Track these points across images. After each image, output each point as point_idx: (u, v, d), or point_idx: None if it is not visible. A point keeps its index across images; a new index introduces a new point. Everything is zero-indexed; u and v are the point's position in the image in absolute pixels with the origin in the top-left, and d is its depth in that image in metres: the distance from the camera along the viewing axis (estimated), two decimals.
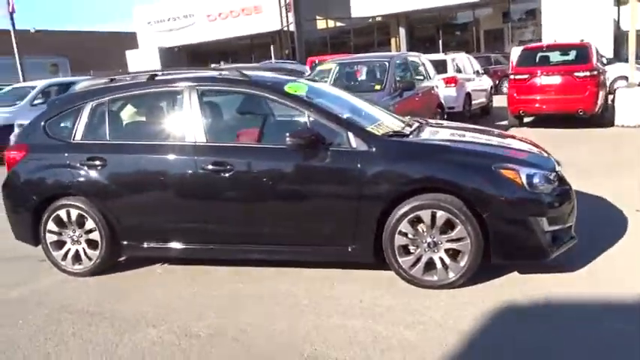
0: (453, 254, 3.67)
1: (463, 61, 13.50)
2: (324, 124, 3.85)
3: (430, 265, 3.71)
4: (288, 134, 3.68)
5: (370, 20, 27.55)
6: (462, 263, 3.64)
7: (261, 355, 3.04)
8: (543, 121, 11.45)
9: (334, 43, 29.21)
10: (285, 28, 27.00)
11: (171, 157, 4.09)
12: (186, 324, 3.45)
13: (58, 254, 4.45)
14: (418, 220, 3.67)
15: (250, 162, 3.92)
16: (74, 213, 4.33)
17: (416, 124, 4.50)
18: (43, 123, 4.54)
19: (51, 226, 4.41)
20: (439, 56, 13.05)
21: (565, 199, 3.78)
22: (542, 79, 10.81)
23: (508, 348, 2.96)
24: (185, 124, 4.11)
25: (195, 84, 4.15)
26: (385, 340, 3.09)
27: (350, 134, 3.79)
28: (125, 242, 4.29)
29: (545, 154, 4.15)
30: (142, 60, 29.61)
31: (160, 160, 4.12)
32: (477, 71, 14.16)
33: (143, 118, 4.55)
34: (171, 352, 3.11)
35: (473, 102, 13.08)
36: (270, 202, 3.94)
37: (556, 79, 10.73)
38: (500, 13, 25.77)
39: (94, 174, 4.24)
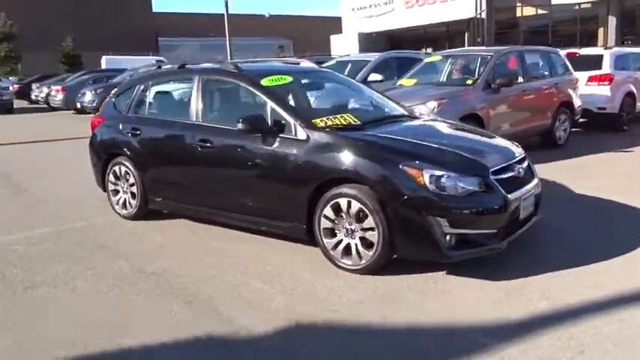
0: (368, 243, 3.94)
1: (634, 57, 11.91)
2: (279, 113, 4.39)
3: (348, 250, 4.04)
4: (239, 119, 4.33)
5: (577, 7, 25.08)
6: (371, 252, 3.90)
7: (182, 290, 3.84)
8: None
9: (532, 32, 27.33)
10: (479, 16, 26.14)
11: (177, 131, 5.04)
12: (144, 264, 4.41)
13: (114, 200, 5.77)
14: (339, 207, 4.02)
15: (223, 141, 4.65)
16: (123, 170, 5.58)
17: (390, 118, 4.75)
18: (113, 99, 5.89)
19: (111, 177, 5.74)
20: (595, 50, 11.76)
21: (484, 205, 3.75)
22: None
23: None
24: (190, 105, 5.01)
25: (201, 74, 5.02)
26: (266, 297, 3.64)
27: (296, 124, 4.27)
28: (149, 196, 5.41)
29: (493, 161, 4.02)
30: (344, 44, 31.40)
31: (170, 133, 5.12)
32: None
33: (167, 99, 5.58)
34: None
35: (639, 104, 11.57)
36: (234, 176, 4.65)
37: None
38: None
39: (133, 140, 5.42)
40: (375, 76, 9.88)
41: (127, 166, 5.52)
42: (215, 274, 4.15)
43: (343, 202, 3.97)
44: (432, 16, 28.92)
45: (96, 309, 3.66)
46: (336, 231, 4.08)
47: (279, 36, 55.24)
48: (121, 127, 5.58)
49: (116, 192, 5.74)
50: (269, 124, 4.36)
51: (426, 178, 3.69)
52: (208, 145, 4.72)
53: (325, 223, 4.10)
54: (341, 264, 4.07)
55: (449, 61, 9.06)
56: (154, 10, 50.90)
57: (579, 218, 5.26)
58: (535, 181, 4.35)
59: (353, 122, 4.45)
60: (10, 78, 31.75)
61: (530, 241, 4.53)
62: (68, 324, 3.45)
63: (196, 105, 4.96)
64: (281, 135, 4.31)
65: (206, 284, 3.97)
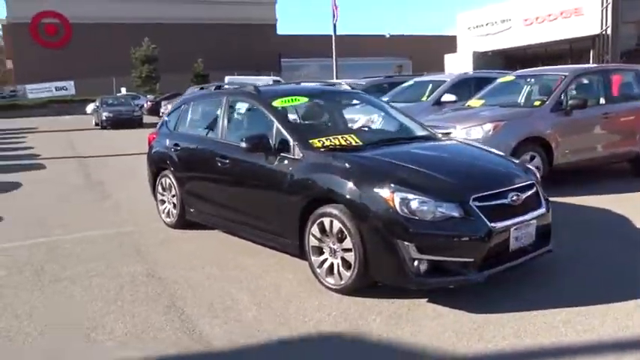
0: (347, 263, 3.94)
1: None
2: (282, 133, 4.55)
3: (332, 269, 4.07)
4: (242, 138, 4.56)
5: None
6: (349, 273, 3.90)
7: (171, 296, 4.15)
8: None
9: None
10: (604, 32, 24.23)
11: (205, 147, 5.40)
12: (157, 269, 4.79)
13: (161, 208, 6.28)
14: (324, 226, 4.07)
15: (236, 158, 4.90)
16: (167, 182, 6.07)
17: (399, 140, 4.73)
18: (166, 117, 6.43)
19: (159, 188, 6.26)
20: None
21: (458, 232, 3.59)
22: None
23: None
24: (217, 124, 5.35)
25: (228, 95, 5.35)
26: (241, 309, 3.81)
27: (294, 144, 4.41)
28: (185, 207, 5.81)
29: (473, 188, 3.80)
30: (458, 63, 30.75)
31: (200, 149, 5.50)
32: None
33: (201, 118, 5.95)
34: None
35: None
36: (244, 192, 4.88)
37: None
38: None
39: (174, 155, 5.89)
40: (448, 97, 9.66)
41: (170, 179, 5.99)
42: (209, 284, 4.38)
43: (327, 221, 4.01)
44: (553, 34, 27.32)
45: (91, 305, 4.04)
46: (323, 249, 4.13)
47: (399, 56, 55.30)
48: (167, 142, 6.08)
49: (163, 202, 6.24)
50: (272, 143, 4.53)
51: (397, 201, 3.62)
52: (226, 161, 5.00)
53: (313, 241, 4.17)
54: (325, 282, 4.11)
55: (522, 81, 8.59)
56: (278, 33, 53.60)
57: (610, 256, 4.76)
58: (540, 210, 4.04)
59: (354, 143, 4.48)
60: (148, 96, 35.25)
61: (539, 275, 4.24)
62: (60, 314, 3.87)
63: (221, 124, 5.29)
64: (282, 154, 4.46)
65: (194, 292, 4.21)
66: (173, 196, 6.00)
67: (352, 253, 3.84)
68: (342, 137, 4.51)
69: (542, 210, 4.06)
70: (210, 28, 47.00)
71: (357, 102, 5.72)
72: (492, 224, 3.64)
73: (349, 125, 5.57)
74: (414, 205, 3.60)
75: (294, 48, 50.48)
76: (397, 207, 3.61)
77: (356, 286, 3.89)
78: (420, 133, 5.08)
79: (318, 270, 4.15)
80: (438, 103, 9.72)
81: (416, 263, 3.57)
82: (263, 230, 4.75)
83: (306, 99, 5.12)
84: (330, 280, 4.06)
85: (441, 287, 3.73)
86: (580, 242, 5.08)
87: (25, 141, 19.20)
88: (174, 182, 5.92)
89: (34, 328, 3.67)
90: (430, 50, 46.65)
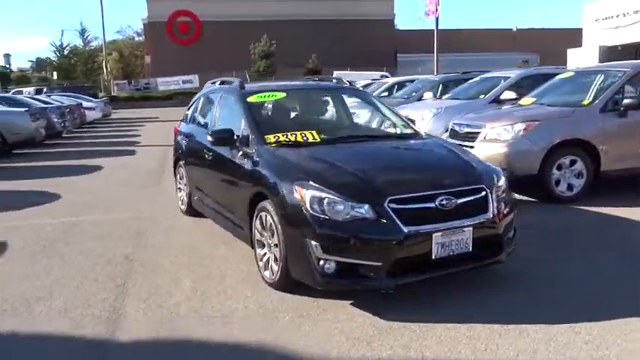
0: (276, 258, 3.94)
1: None
2: (246, 128, 4.63)
3: (269, 263, 4.09)
4: (209, 132, 4.70)
5: None
6: (277, 268, 3.91)
7: (125, 277, 4.46)
8: None
9: None
10: None
11: (200, 139, 5.63)
12: (140, 252, 5.13)
13: (178, 196, 6.66)
14: (262, 220, 4.10)
15: (214, 151, 5.05)
16: (181, 171, 6.43)
17: (366, 137, 4.63)
18: (187, 110, 6.78)
19: (177, 177, 6.65)
20: None
21: (365, 234, 3.44)
22: None
23: None
24: (209, 118, 5.57)
25: (222, 91, 5.53)
26: (171, 300, 4.01)
27: (252, 138, 4.47)
28: (191, 195, 6.11)
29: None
30: (582, 58, 28.37)
31: (197, 141, 5.75)
32: None
33: (205, 111, 6.13)
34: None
35: None
36: (218, 184, 5.02)
37: None
38: None
39: (184, 146, 6.22)
40: (508, 94, 9.04)
41: (182, 168, 6.35)
42: (168, 270, 4.60)
43: (264, 216, 4.04)
44: None
45: (58, 279, 4.44)
46: (264, 243, 4.15)
47: (526, 50, 52.12)
48: (182, 134, 6.43)
49: (179, 190, 6.62)
50: (237, 137, 4.63)
51: (307, 199, 3.55)
52: (210, 153, 5.20)
53: (256, 235, 4.22)
54: (264, 276, 4.14)
55: (582, 78, 7.78)
56: (397, 28, 53.05)
57: (575, 275, 4.24)
58: (481, 217, 3.70)
59: (311, 139, 4.44)
60: None
61: (483, 288, 3.93)
62: (26, 284, 4.31)
63: (212, 118, 5.50)
64: (243, 148, 4.55)
65: (150, 276, 4.46)
66: (185, 185, 6.34)
67: (278, 248, 3.84)
68: (301, 133, 4.48)
69: (486, 217, 3.72)
70: (326, 24, 47.76)
71: (342, 98, 5.59)
72: (407, 228, 3.44)
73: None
74: (325, 204, 3.51)
75: (412, 44, 49.66)
76: (307, 205, 3.54)
77: (284, 281, 3.87)
78: (395, 131, 4.89)
79: (260, 263, 4.20)
80: (496, 100, 9.13)
81: (322, 263, 3.48)
82: (230, 221, 4.87)
83: (283, 94, 5.14)
84: (267, 274, 4.09)
85: (350, 290, 3.60)
86: (561, 256, 4.60)
87: (138, 129, 21.05)
88: (184, 171, 6.25)
89: None
90: (559, 44, 43.36)
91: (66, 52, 53.31)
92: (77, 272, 4.60)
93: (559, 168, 6.56)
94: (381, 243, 3.43)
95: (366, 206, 3.47)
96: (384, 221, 3.44)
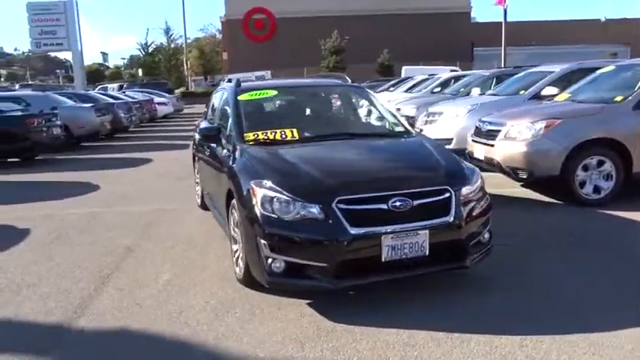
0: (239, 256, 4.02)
1: None
2: (230, 125, 4.73)
3: (239, 260, 4.16)
4: (197, 129, 4.83)
5: None
6: (242, 265, 3.97)
7: (106, 266, 4.71)
8: None
9: None
10: None
11: None
12: (139, 243, 5.37)
13: (196, 190, 6.90)
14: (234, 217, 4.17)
15: (211, 147, 5.17)
16: (197, 165, 6.64)
17: (347, 135, 4.60)
18: (205, 107, 6.97)
19: (195, 171, 6.88)
20: None
21: (310, 234, 3.42)
22: None
23: None
24: (214, 114, 5.73)
25: (224, 89, 5.66)
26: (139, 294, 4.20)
27: (232, 136, 4.56)
28: (202, 190, 6.31)
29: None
30: None
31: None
32: None
33: (212, 108, 6.25)
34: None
35: None
36: (210, 178, 5.15)
37: None
38: None
39: (196, 142, 6.43)
40: (550, 90, 8.55)
41: (196, 163, 6.56)
42: (156, 261, 4.80)
43: (234, 213, 4.11)
44: None
45: (56, 266, 4.74)
46: (237, 239, 4.22)
47: (616, 42, 48.78)
48: (198, 130, 6.64)
49: (197, 184, 6.85)
50: (223, 134, 4.73)
51: (258, 198, 3.58)
52: (208, 150, 5.34)
53: (231, 231, 4.30)
54: (235, 271, 4.22)
55: (623, 72, 7.20)
56: (474, 21, 51.33)
57: (550, 282, 3.95)
58: (440, 220, 3.55)
59: (289, 137, 4.45)
60: None
61: (456, 290, 3.80)
62: (25, 270, 4.65)
63: (216, 114, 5.64)
64: (227, 145, 4.64)
65: (138, 267, 4.67)
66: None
67: (239, 247, 3.90)
68: (281, 132, 4.51)
69: (446, 220, 3.57)
70: (399, 18, 47.06)
71: (337, 95, 5.53)
72: (355, 230, 3.38)
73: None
74: (274, 203, 3.52)
75: (490, 37, 47.88)
76: (259, 204, 3.57)
77: (248, 278, 3.91)
78: (381, 129, 4.82)
79: (233, 259, 4.28)
80: (537, 97, 8.65)
81: (269, 261, 3.50)
82: (220, 217, 4.99)
83: (274, 92, 5.18)
84: (237, 270, 4.16)
85: (298, 290, 3.60)
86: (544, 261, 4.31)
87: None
88: (198, 166, 6.47)
89: None
90: None
91: (150, 50, 56.05)
92: (75, 261, 4.89)
93: (585, 169, 6.15)
94: (327, 244, 3.39)
95: (316, 206, 3.44)
96: (331, 222, 3.40)
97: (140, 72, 55.22)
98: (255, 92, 5.13)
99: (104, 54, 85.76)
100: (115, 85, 36.83)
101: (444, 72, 24.48)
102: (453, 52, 44.62)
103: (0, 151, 11.28)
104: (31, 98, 14.52)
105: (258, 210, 3.56)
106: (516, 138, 6.38)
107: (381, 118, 5.13)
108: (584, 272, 4.19)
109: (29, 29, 37.69)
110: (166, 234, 5.68)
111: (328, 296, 3.71)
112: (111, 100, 17.92)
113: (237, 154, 4.30)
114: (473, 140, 7.24)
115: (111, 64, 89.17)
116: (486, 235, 3.89)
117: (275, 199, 3.52)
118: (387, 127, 4.95)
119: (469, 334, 3.20)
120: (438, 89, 14.39)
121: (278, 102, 5.32)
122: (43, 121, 11.82)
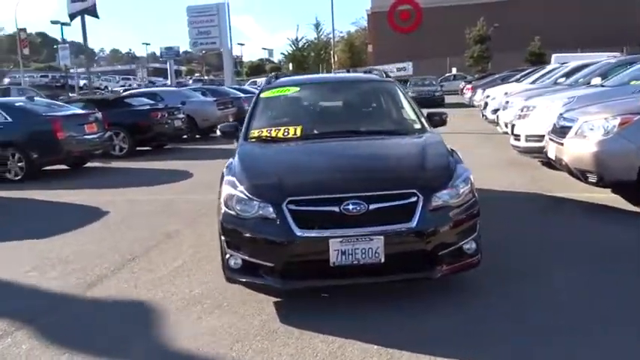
0: None
1: None
2: (244, 123, 4.85)
3: None
4: (218, 126, 5.02)
5: None
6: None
7: (109, 250, 5.16)
8: None
9: None
10: None
11: None
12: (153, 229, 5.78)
13: None
14: None
15: None
16: None
17: (350, 133, 4.50)
18: None
19: None
20: None
21: (259, 234, 3.42)
22: None
23: None
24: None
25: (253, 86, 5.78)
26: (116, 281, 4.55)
27: (241, 133, 4.68)
28: None
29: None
30: None
31: None
32: None
33: None
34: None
35: None
36: None
37: None
38: None
39: None
40: (597, 81, 7.52)
41: None
42: (169, 251, 5.09)
43: None
44: None
45: (89, 244, 5.31)
46: None
47: None
48: None
49: None
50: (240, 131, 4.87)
51: (223, 195, 3.64)
52: None
53: None
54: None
55: None
56: None
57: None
58: (400, 226, 3.30)
59: (292, 135, 4.44)
60: (468, 77, 35.28)
61: (435, 298, 3.56)
62: (61, 248, 5.25)
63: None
64: (239, 140, 4.77)
65: (153, 255, 5.00)
66: None
67: None
68: (284, 129, 4.51)
69: (407, 227, 3.30)
70: (555, 3, 43.33)
71: (363, 91, 5.30)
72: (301, 231, 3.29)
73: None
74: (234, 201, 3.55)
75: None
76: (222, 201, 3.64)
77: (224, 272, 4.00)
78: (393, 127, 4.60)
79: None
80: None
81: (227, 257, 3.56)
82: None
83: (296, 89, 5.16)
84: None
85: (250, 287, 3.60)
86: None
87: None
88: None
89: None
90: None
91: (300, 45, 58.36)
92: (117, 244, 5.40)
93: None
94: (274, 244, 3.36)
95: (269, 206, 3.42)
96: (279, 222, 3.36)
97: (290, 66, 57.75)
98: (278, 89, 5.17)
99: (269, 50, 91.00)
100: (263, 80, 39.10)
101: (602, 59, 22.03)
102: (616, 37, 40.03)
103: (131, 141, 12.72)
104: (165, 93, 16.13)
105: (222, 207, 3.64)
106: (587, 136, 5.62)
107: (401, 114, 4.88)
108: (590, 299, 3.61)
109: (188, 30, 41.45)
110: (208, 223, 5.98)
111: (301, 296, 3.67)
112: (241, 95, 19.12)
113: (236, 150, 4.42)
114: (549, 138, 6.53)
115: (275, 59, 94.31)
116: (469, 246, 3.53)
117: (235, 198, 3.57)
118: (404, 124, 4.70)
119: (401, 351, 2.97)
120: (563, 79, 13.05)
121: (298, 98, 5.29)
122: (166, 114, 13.06)
